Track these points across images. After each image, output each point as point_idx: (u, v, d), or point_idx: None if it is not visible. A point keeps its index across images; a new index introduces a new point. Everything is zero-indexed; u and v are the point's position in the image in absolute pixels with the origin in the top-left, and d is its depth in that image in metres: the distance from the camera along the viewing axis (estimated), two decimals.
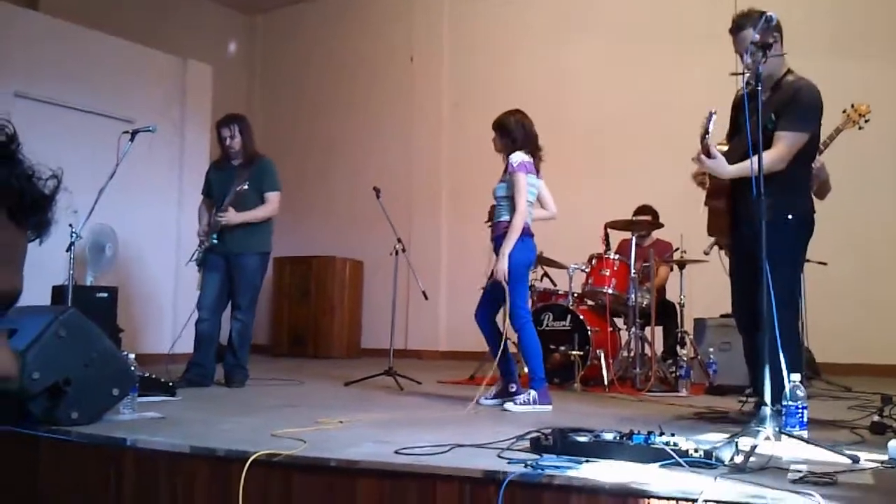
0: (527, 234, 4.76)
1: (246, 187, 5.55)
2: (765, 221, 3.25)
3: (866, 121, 4.71)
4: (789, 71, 3.86)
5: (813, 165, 4.54)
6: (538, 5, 9.61)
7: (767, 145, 3.62)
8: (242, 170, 5.71)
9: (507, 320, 4.76)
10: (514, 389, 4.81)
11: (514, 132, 4.83)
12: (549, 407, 4.54)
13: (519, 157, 4.71)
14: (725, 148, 3.89)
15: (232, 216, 5.58)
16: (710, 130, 3.59)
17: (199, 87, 9.10)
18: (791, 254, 3.78)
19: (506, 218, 4.74)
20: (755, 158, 3.36)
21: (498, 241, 4.77)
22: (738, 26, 3.79)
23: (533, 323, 6.19)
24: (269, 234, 5.87)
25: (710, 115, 3.57)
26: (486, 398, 4.82)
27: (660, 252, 6.69)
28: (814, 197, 4.12)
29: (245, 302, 5.75)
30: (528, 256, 4.79)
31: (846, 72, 7.07)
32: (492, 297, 4.92)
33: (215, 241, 5.64)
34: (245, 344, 5.81)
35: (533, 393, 4.56)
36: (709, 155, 3.67)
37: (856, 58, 7.47)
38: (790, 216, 3.70)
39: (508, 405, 4.51)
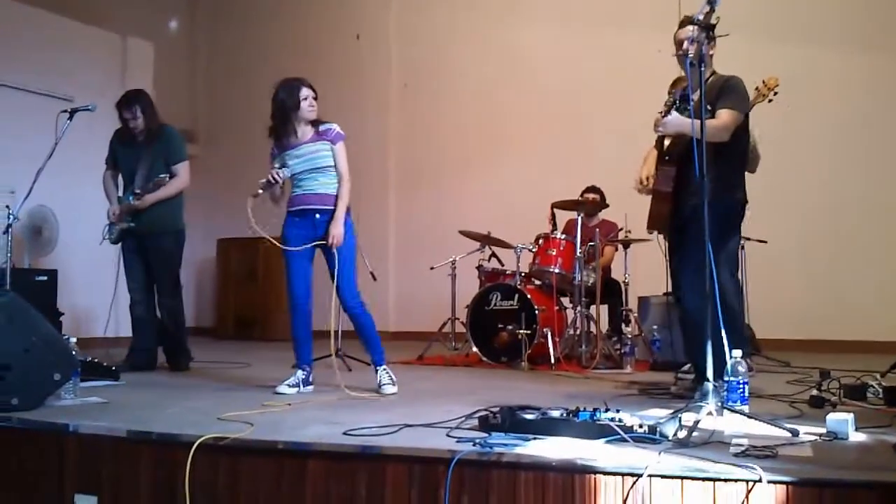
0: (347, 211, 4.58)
1: (167, 179, 5.43)
2: (706, 203, 3.36)
3: (775, 94, 4.89)
4: (714, 72, 4.02)
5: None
6: None
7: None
8: (148, 146, 5.57)
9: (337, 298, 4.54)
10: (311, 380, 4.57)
11: None
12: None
13: (338, 125, 4.60)
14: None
15: (147, 199, 5.45)
16: (677, 101, 3.84)
17: (139, 65, 8.89)
18: (727, 236, 3.98)
19: (328, 191, 4.50)
20: (712, 120, 3.64)
21: (324, 214, 4.49)
22: (682, 26, 3.91)
23: (478, 302, 6.26)
24: (180, 211, 5.74)
25: (676, 93, 3.91)
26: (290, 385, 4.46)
27: (605, 232, 6.76)
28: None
29: (167, 285, 5.66)
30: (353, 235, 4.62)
31: (778, 52, 7.22)
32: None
33: (132, 225, 5.52)
34: (180, 326, 5.73)
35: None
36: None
37: (787, 38, 7.62)
38: (726, 203, 3.85)
39: (388, 388, 4.38)
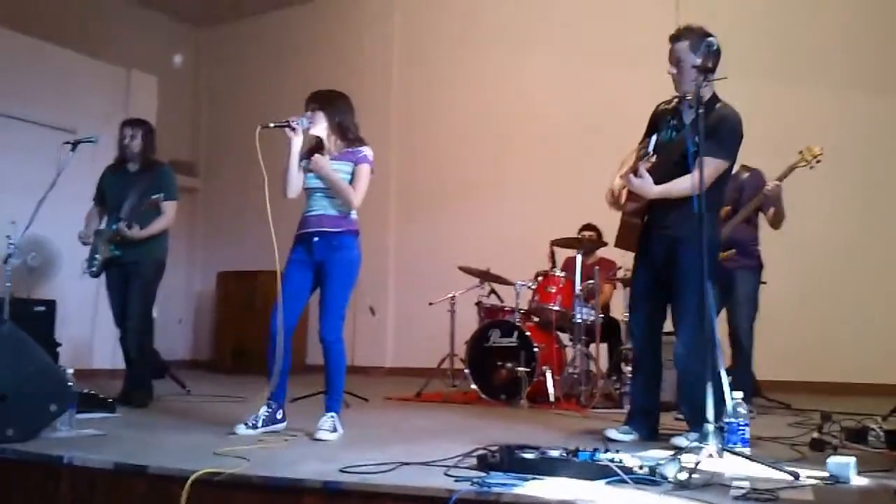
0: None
1: (163, 197, 5.37)
2: (684, 242, 3.43)
3: (818, 161, 5.07)
4: (715, 96, 3.92)
5: (768, 191, 5.08)
6: (489, 20, 9.67)
7: (689, 168, 3.70)
8: (140, 176, 5.55)
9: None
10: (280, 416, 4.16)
11: (353, 124, 4.38)
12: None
13: (371, 151, 4.31)
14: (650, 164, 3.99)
15: (135, 233, 5.37)
16: (648, 154, 3.77)
17: (143, 98, 8.97)
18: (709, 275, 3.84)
19: (332, 212, 4.24)
20: (687, 177, 3.59)
21: (323, 238, 4.21)
22: (677, 37, 3.87)
23: (477, 338, 6.21)
24: (165, 243, 5.69)
25: (650, 141, 3.80)
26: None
27: (604, 270, 6.76)
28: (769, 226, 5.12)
29: (137, 308, 5.49)
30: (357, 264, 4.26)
31: (781, 94, 7.28)
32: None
33: (117, 254, 5.47)
34: (144, 356, 5.56)
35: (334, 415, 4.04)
36: (636, 174, 3.81)
37: (790, 81, 7.68)
38: (708, 240, 3.67)
39: (324, 434, 3.87)
